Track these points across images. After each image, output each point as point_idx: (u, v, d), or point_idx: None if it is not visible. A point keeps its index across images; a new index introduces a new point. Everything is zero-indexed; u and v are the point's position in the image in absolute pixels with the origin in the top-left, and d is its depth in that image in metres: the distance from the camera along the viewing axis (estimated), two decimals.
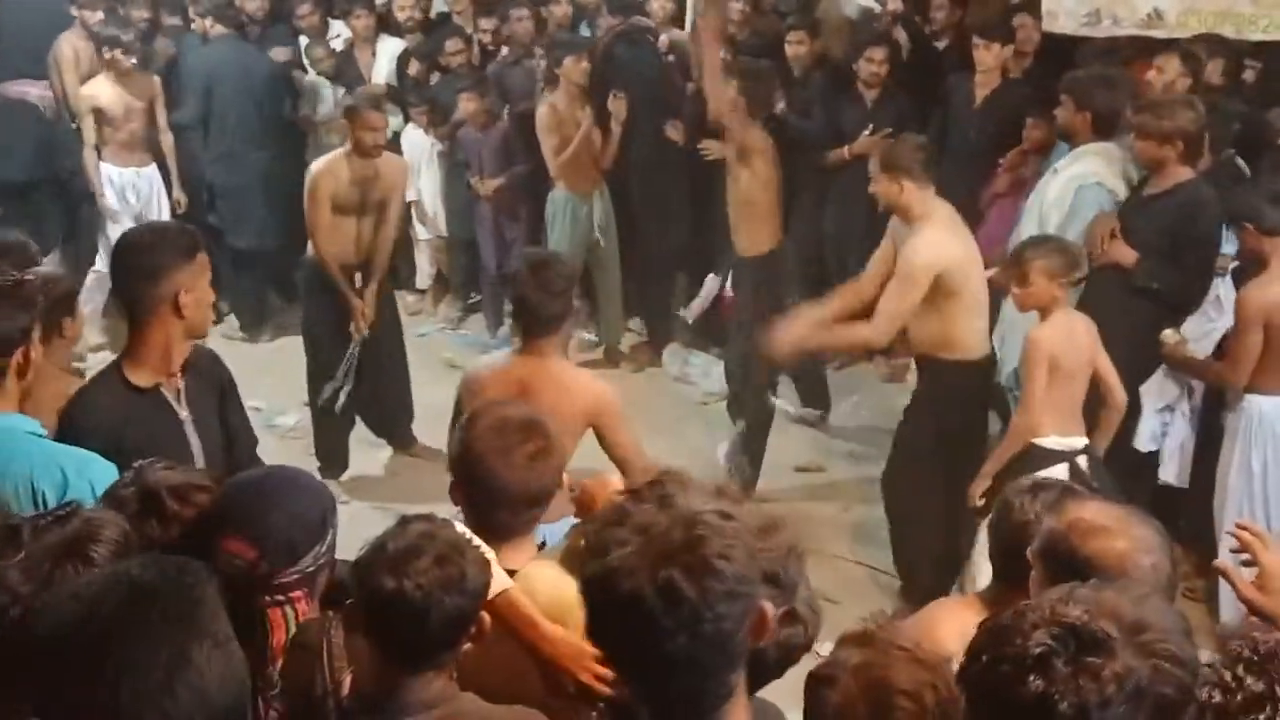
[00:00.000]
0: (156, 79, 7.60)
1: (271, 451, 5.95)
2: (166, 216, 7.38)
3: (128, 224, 7.06)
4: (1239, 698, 1.68)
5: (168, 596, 1.48)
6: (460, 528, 2.24)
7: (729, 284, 6.53)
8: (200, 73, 7.75)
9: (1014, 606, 1.77)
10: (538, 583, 2.42)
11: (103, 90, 7.33)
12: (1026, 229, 5.41)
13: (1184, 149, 4.84)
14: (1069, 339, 4.34)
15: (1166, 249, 4.89)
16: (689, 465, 5.11)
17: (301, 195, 5.94)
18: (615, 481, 2.69)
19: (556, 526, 3.55)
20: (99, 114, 7.32)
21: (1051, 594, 1.77)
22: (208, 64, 7.78)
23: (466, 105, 7.37)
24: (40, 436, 2.69)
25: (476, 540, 2.22)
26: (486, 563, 2.14)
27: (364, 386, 6.05)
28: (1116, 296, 4.95)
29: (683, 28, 8.22)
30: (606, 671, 2.27)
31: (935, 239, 4.66)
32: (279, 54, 8.04)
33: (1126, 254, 4.94)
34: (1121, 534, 2.29)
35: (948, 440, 4.84)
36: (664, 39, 7.71)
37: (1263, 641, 1.76)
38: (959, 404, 4.89)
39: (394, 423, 6.30)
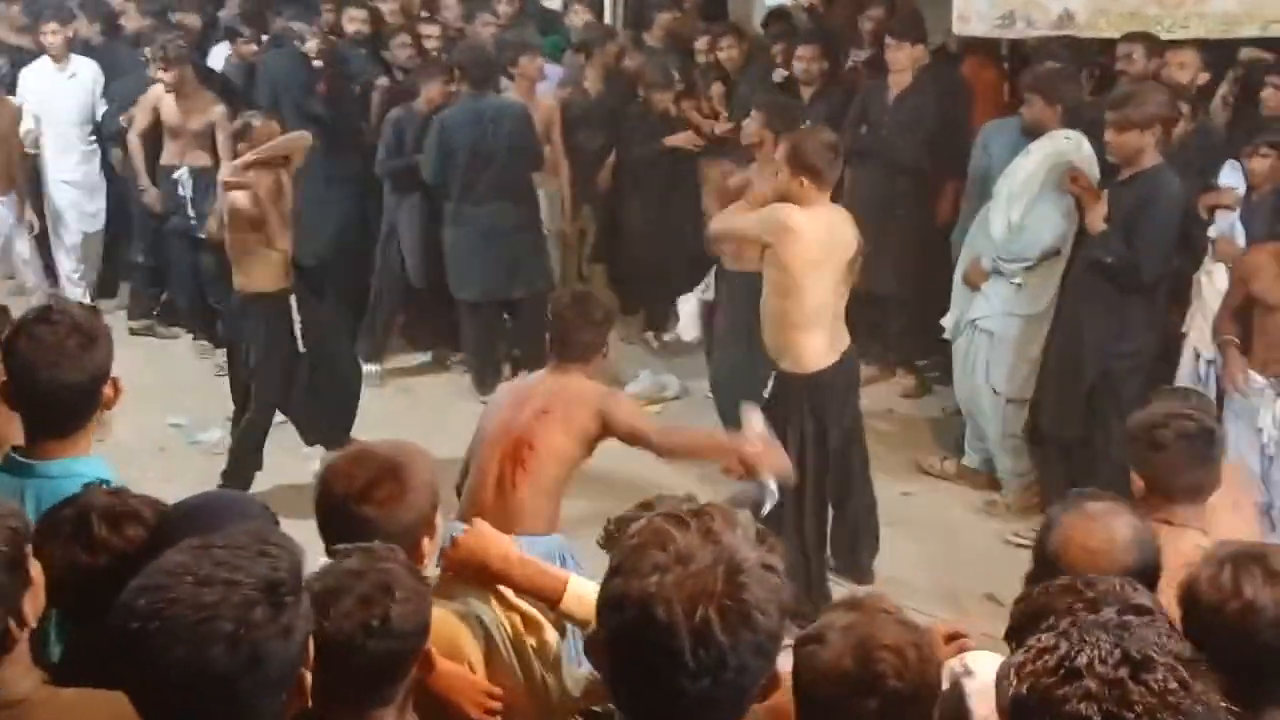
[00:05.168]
0: (17, 103, 7.46)
1: (197, 469, 5.93)
2: (26, 245, 7.63)
3: None
4: None
5: None
6: (399, 559, 2.10)
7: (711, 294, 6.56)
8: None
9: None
10: None
11: None
12: (994, 211, 5.59)
13: (1162, 135, 5.04)
14: None
15: (1127, 230, 5.08)
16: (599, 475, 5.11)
17: None
18: (495, 536, 2.51)
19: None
20: None
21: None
22: None
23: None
24: (108, 483, 2.55)
25: (422, 573, 2.13)
26: (423, 599, 2.03)
27: (313, 390, 5.96)
28: (1091, 284, 5.22)
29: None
30: (496, 705, 2.29)
31: (800, 222, 4.66)
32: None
33: (1098, 219, 5.13)
34: (1096, 531, 2.36)
35: (800, 445, 4.86)
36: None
37: None
38: (794, 411, 4.86)
39: (333, 423, 6.10)
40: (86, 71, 8.01)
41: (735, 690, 1.48)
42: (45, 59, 7.91)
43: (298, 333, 5.85)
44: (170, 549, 1.66)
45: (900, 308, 6.97)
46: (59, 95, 7.91)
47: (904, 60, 6.67)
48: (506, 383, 4.15)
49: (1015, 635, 1.96)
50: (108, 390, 2.66)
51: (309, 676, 1.67)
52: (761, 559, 1.50)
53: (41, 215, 7.92)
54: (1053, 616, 1.82)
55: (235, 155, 5.85)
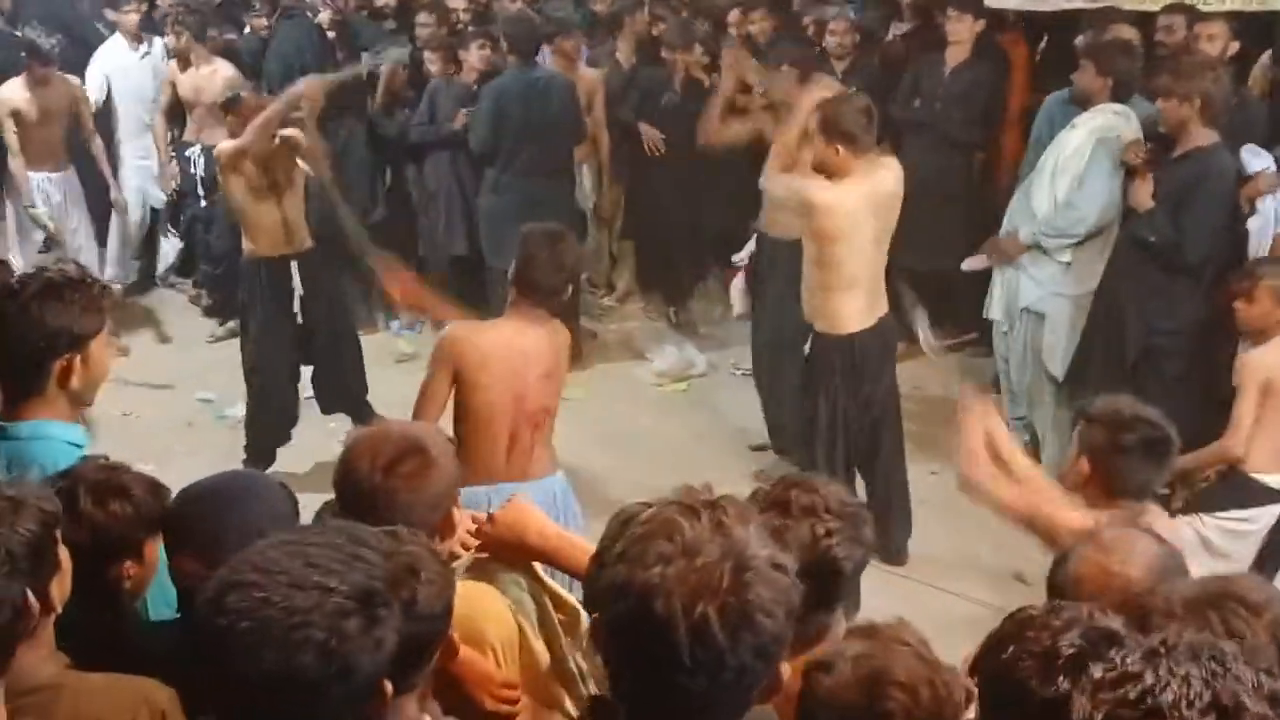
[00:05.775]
0: (79, 83, 7.48)
1: (224, 444, 5.95)
2: (82, 222, 7.51)
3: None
4: None
5: None
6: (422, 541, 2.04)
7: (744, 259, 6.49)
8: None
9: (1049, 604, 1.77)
10: None
11: (18, 94, 7.18)
12: (1038, 185, 5.46)
13: (1203, 108, 4.92)
14: None
15: (1173, 209, 4.99)
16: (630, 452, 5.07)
17: None
18: (533, 512, 2.43)
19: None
20: (16, 117, 7.17)
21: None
22: None
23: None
24: (80, 447, 2.55)
25: (448, 554, 2.09)
26: (448, 582, 1.97)
27: (320, 369, 6.00)
28: (1134, 261, 5.13)
29: None
30: (513, 694, 2.25)
31: (826, 199, 4.62)
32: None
33: (1144, 196, 5.04)
34: (1115, 554, 2.27)
35: (829, 405, 4.85)
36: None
37: None
38: (829, 372, 4.85)
39: (352, 395, 6.13)
40: (158, 49, 8.04)
41: (735, 691, 1.43)
42: (119, 37, 7.93)
43: (295, 303, 5.79)
44: (261, 541, 1.57)
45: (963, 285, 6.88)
46: (133, 74, 7.93)
47: (964, 32, 6.61)
48: (482, 335, 3.92)
49: (977, 669, 1.87)
50: (63, 362, 2.56)
51: (389, 685, 1.60)
52: (772, 557, 1.44)
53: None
54: (1012, 647, 1.76)
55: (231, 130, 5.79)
